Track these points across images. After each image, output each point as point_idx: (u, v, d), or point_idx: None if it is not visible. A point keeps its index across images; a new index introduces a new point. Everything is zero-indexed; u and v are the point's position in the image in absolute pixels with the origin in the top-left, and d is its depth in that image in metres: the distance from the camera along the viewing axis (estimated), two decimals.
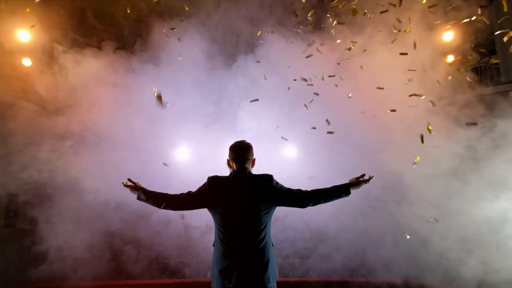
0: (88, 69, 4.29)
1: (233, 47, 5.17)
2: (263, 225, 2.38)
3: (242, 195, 2.37)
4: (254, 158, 2.61)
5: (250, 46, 5.36)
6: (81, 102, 4.47)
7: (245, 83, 5.54)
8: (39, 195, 4.55)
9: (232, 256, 2.31)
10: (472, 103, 3.62)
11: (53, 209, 4.64)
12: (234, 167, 2.53)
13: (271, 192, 2.39)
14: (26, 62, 4.75)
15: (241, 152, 2.52)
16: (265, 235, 2.38)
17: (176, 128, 5.37)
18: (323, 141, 4.63)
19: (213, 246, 2.48)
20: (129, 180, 2.68)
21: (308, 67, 4.58)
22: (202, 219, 4.92)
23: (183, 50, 4.93)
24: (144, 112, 5.15)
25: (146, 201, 2.58)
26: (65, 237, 4.79)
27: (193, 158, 5.41)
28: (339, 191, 2.49)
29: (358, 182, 2.53)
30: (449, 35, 5.02)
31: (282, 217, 5.01)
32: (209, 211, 2.48)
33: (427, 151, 3.27)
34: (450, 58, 4.88)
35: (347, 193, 2.50)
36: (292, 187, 2.49)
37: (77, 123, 4.48)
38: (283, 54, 4.96)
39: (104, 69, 4.48)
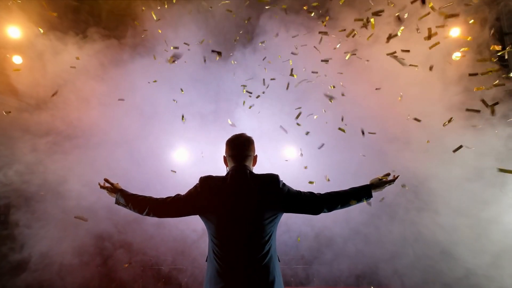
0: (73, 60, 3.75)
1: (232, 39, 4.64)
2: (267, 236, 1.88)
3: (241, 200, 1.87)
4: (256, 155, 2.11)
5: (250, 37, 4.84)
6: (66, 97, 3.95)
7: (244, 79, 5.05)
8: (21, 197, 4.03)
9: (230, 275, 1.81)
10: (500, 97, 3.11)
11: (37, 212, 4.13)
12: (232, 165, 2.02)
13: (277, 196, 1.89)
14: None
15: (240, 147, 2.02)
16: (269, 249, 1.88)
17: (172, 127, 4.87)
18: (328, 139, 4.13)
19: (206, 261, 1.97)
20: (106, 180, 2.18)
21: (314, 60, 4.07)
22: (199, 221, 4.37)
23: (177, 41, 4.41)
24: (136, 109, 4.65)
25: (125, 206, 2.08)
26: (50, 241, 4.29)
27: (191, 158, 4.91)
28: (359, 194, 1.99)
29: (381, 183, 2.03)
30: (456, 31, 4.59)
31: (285, 218, 4.49)
32: (202, 219, 1.98)
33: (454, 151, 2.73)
34: (457, 55, 4.45)
35: (369, 196, 2.00)
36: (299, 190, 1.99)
37: (62, 120, 3.97)
38: (285, 47, 4.45)
39: (91, 61, 3.95)
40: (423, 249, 3.22)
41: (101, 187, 2.20)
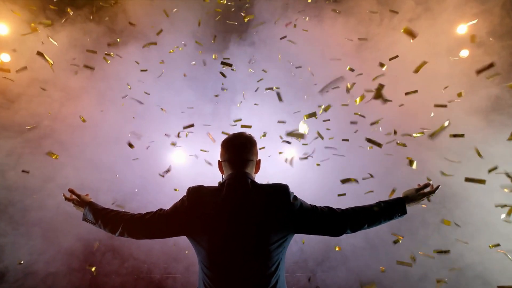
0: (54, 48, 3.21)
1: (228, 30, 4.13)
2: (275, 265, 1.40)
3: (240, 217, 1.40)
4: (259, 159, 1.62)
5: (248, 27, 4.33)
6: (48, 90, 3.43)
7: (242, 74, 4.56)
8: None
9: None
10: None
11: (16, 218, 3.60)
12: (229, 172, 1.54)
13: (287, 212, 1.42)
14: None
15: (239, 150, 1.54)
16: (277, 281, 1.41)
17: (166, 127, 4.39)
18: (335, 139, 3.65)
19: None
20: (71, 191, 1.68)
21: (319, 52, 3.57)
22: None
23: (172, 35, 3.93)
24: (128, 107, 4.15)
25: (94, 223, 1.59)
26: (32, 249, 3.78)
27: (189, 160, 4.43)
28: (391, 210, 1.51)
29: (418, 195, 1.56)
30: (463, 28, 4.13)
31: None
32: (190, 242, 1.49)
33: (494, 154, 2.24)
34: (464, 53, 3.99)
35: (403, 212, 1.53)
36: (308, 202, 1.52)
37: (44, 117, 3.45)
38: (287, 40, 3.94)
39: (74, 51, 3.42)
40: (448, 272, 2.67)
41: (66, 199, 1.70)
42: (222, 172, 1.59)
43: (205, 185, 1.52)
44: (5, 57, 3.90)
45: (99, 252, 4.24)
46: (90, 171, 3.96)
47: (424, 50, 2.88)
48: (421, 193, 1.56)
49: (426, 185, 1.57)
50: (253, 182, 1.49)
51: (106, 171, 4.08)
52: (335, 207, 1.55)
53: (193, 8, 4.02)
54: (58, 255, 4.00)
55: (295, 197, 1.47)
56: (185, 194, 1.49)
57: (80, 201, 1.66)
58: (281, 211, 1.39)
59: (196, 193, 1.45)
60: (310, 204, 1.49)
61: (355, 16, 3.19)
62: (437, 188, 1.58)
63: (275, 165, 3.92)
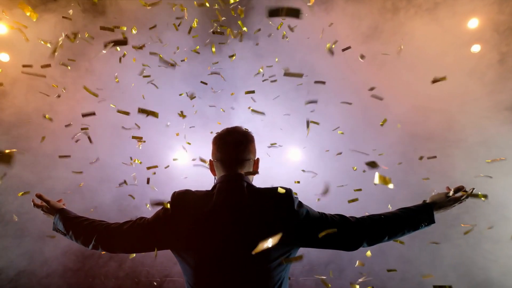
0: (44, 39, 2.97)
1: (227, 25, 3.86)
2: (276, 286, 1.14)
3: (234, 229, 1.13)
4: (257, 159, 1.36)
5: (247, 23, 4.04)
6: (39, 86, 3.21)
7: (242, 72, 4.29)
8: None
9: None
10: None
11: (8, 216, 3.40)
12: (221, 174, 1.28)
13: (290, 222, 1.15)
14: None
15: (233, 147, 1.28)
16: None
17: (167, 127, 4.16)
18: (340, 139, 3.38)
19: None
20: (39, 196, 1.44)
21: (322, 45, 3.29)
22: None
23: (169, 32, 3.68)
24: (127, 106, 3.91)
25: (65, 234, 1.34)
26: (27, 248, 3.59)
27: (185, 162, 4.19)
28: (417, 218, 1.25)
29: (449, 201, 1.28)
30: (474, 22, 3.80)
31: None
32: (176, 258, 1.23)
33: None
34: (476, 48, 3.67)
35: (430, 221, 1.26)
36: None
37: (33, 114, 3.23)
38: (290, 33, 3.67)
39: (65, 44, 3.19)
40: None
41: (35, 205, 1.46)
42: (214, 174, 1.33)
43: (193, 189, 1.26)
44: (4, 57, 3.71)
45: (96, 253, 4.04)
46: (86, 170, 3.75)
47: (442, 42, 2.58)
48: (452, 198, 1.28)
49: (459, 189, 1.29)
50: (250, 185, 1.22)
51: (102, 170, 3.87)
52: (347, 214, 1.29)
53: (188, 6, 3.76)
54: (53, 255, 3.82)
55: (300, 203, 1.20)
56: (169, 200, 1.24)
57: (50, 208, 1.41)
58: (283, 220, 1.13)
59: (181, 198, 1.19)
60: (319, 212, 1.23)
61: (366, 5, 2.90)
62: (471, 191, 1.30)
63: (277, 165, 3.65)
